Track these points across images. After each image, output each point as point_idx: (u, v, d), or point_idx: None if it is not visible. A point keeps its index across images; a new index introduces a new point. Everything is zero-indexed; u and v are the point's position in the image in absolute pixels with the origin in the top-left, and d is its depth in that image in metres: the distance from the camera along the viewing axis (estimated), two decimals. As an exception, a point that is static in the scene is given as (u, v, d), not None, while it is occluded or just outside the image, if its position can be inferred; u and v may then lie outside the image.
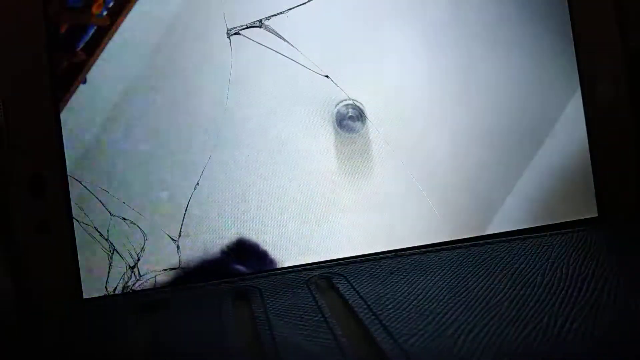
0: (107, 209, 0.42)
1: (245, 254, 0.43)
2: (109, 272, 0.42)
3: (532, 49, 0.45)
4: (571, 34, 0.45)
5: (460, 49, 0.45)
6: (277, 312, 0.35)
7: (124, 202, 0.42)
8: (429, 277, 0.38)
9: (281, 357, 0.30)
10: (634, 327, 0.29)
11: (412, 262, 0.41)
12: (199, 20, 0.43)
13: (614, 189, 0.45)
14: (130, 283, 0.42)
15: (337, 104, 0.44)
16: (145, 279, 0.42)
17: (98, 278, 0.42)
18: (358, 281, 0.38)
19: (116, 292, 0.42)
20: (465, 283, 0.36)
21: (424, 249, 0.43)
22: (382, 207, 0.44)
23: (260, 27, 0.43)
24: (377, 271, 0.40)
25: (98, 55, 0.42)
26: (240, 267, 0.43)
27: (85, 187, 0.42)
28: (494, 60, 0.45)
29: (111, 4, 0.42)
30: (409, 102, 0.45)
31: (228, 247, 0.43)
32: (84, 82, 0.42)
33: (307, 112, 0.44)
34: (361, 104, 0.44)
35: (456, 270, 0.38)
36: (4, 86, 0.41)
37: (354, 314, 0.33)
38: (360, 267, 0.41)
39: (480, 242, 0.43)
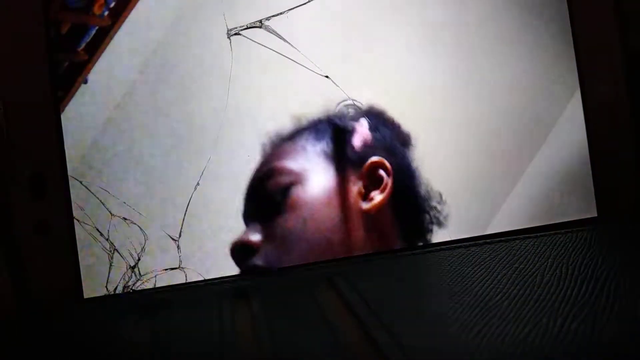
0: (107, 208, 0.42)
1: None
2: (109, 272, 0.42)
3: (532, 50, 0.45)
4: (571, 35, 0.45)
5: (460, 49, 0.45)
6: (277, 311, 0.35)
7: (124, 202, 0.42)
8: (429, 277, 0.38)
9: (281, 357, 0.30)
10: (633, 327, 0.29)
11: (412, 262, 0.41)
12: (200, 20, 0.43)
13: (614, 189, 0.45)
14: (130, 283, 0.42)
15: (338, 104, 0.44)
16: (145, 279, 0.42)
17: (98, 278, 0.42)
18: (358, 281, 0.38)
19: (116, 292, 0.42)
20: (465, 283, 0.36)
21: (424, 249, 0.43)
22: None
23: (260, 27, 0.43)
24: (377, 271, 0.40)
25: (99, 55, 0.42)
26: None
27: (85, 187, 0.42)
28: (494, 60, 0.45)
29: (112, 5, 0.42)
30: (409, 102, 0.45)
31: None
32: (85, 82, 0.42)
33: (307, 112, 0.44)
34: (361, 104, 0.44)
35: (456, 270, 0.38)
36: (4, 86, 0.41)
37: (354, 314, 0.33)
38: (360, 267, 0.41)
39: (480, 242, 0.43)
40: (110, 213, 0.42)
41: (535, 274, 0.36)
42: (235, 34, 0.43)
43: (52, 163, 0.42)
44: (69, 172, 0.42)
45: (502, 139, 0.45)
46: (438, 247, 0.43)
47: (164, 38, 0.43)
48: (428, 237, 0.43)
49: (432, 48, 0.45)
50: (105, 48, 0.42)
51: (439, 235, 0.43)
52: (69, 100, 0.42)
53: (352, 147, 0.40)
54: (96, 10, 0.42)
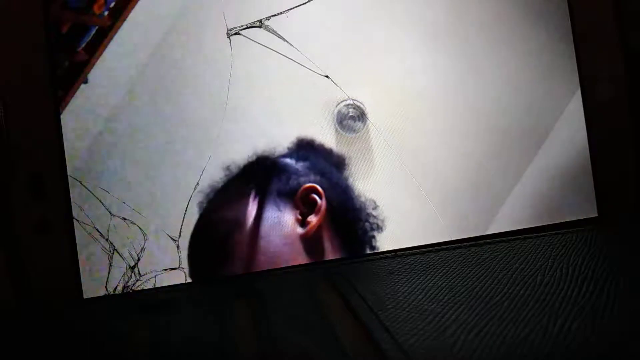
0: (107, 209, 0.42)
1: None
2: (109, 272, 0.42)
3: (533, 50, 0.45)
4: (571, 34, 0.45)
5: (460, 49, 0.45)
6: (278, 311, 0.35)
7: (124, 202, 0.42)
8: (429, 277, 0.38)
9: (281, 357, 0.30)
10: (634, 327, 0.29)
11: (412, 262, 0.41)
12: (200, 20, 0.43)
13: (614, 189, 0.45)
14: (130, 283, 0.42)
15: (338, 104, 0.44)
16: (145, 279, 0.42)
17: (98, 278, 0.42)
18: (358, 281, 0.38)
19: (116, 292, 0.42)
20: (465, 283, 0.36)
21: (424, 249, 0.43)
22: (382, 206, 0.44)
23: (260, 27, 0.43)
24: (377, 271, 0.40)
25: (99, 55, 0.42)
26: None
27: (85, 187, 0.42)
28: (494, 60, 0.45)
29: (112, 5, 0.42)
30: (409, 102, 0.45)
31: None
32: (86, 81, 0.42)
33: (307, 112, 0.44)
34: (362, 103, 0.44)
35: (456, 270, 0.38)
36: (4, 86, 0.41)
37: (354, 314, 0.33)
38: (360, 267, 0.41)
39: (480, 242, 0.43)
40: (110, 213, 0.42)
41: (535, 274, 0.36)
42: (235, 33, 0.43)
43: (52, 163, 0.42)
44: (69, 172, 0.42)
45: (502, 139, 0.45)
46: (438, 247, 0.43)
47: (163, 38, 0.43)
48: (373, 243, 0.44)
49: (432, 48, 0.45)
50: (105, 48, 0.42)
51: (382, 240, 0.44)
52: (69, 100, 0.42)
53: (282, 182, 0.43)
54: (96, 10, 0.42)
